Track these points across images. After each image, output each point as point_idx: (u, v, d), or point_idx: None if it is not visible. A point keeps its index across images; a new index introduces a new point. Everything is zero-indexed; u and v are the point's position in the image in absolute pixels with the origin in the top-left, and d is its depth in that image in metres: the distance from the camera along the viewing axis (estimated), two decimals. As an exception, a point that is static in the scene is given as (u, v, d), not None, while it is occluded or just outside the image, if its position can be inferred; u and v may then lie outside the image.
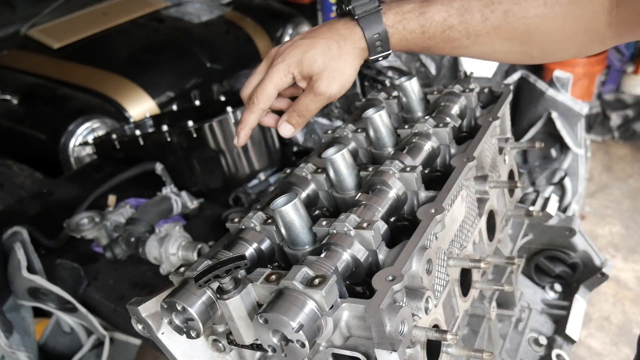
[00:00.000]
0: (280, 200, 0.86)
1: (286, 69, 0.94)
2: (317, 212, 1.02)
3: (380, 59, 0.96)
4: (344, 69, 0.93)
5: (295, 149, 1.77)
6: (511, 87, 1.23)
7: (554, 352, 1.32)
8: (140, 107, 2.73)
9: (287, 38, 3.50)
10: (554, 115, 2.31)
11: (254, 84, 0.99)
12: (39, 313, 1.64)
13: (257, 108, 0.97)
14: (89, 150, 2.50)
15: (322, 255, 0.81)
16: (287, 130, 0.99)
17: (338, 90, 0.94)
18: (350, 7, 0.95)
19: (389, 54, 0.95)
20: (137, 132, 1.90)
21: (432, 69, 2.24)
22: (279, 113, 1.03)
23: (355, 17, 0.93)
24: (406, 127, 1.08)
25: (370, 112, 1.05)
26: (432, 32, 0.91)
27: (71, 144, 2.53)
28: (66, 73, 2.87)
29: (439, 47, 0.95)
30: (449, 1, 0.91)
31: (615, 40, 0.91)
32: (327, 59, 0.93)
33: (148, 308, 0.85)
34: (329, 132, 1.16)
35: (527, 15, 0.88)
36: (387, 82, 1.83)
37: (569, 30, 0.89)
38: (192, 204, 1.72)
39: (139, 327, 0.87)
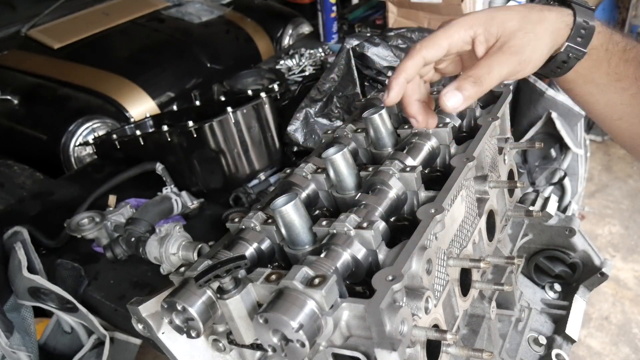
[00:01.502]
0: (280, 200, 0.86)
1: (469, 23, 0.79)
2: (317, 212, 1.02)
3: (569, 56, 0.81)
4: (542, 37, 0.77)
5: (295, 149, 1.77)
6: (511, 87, 1.23)
7: (554, 352, 1.32)
8: (141, 107, 2.73)
9: (287, 38, 3.50)
10: (554, 115, 2.31)
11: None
12: (39, 313, 1.64)
13: (419, 55, 0.80)
14: (89, 150, 2.51)
15: (322, 255, 0.81)
16: (454, 99, 0.77)
17: (529, 56, 0.77)
18: None
19: (582, 55, 0.81)
20: (138, 132, 1.90)
21: (432, 69, 2.24)
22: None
23: (567, 1, 0.81)
24: (406, 127, 1.08)
25: (370, 112, 1.05)
26: (633, 56, 0.82)
27: (72, 144, 2.53)
28: (67, 73, 2.88)
29: (623, 84, 0.83)
30: None
31: None
32: (525, 21, 0.77)
33: (148, 308, 0.85)
34: (329, 132, 1.17)
35: None
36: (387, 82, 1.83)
37: None
38: (193, 204, 1.72)
39: (139, 327, 0.88)
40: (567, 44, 0.81)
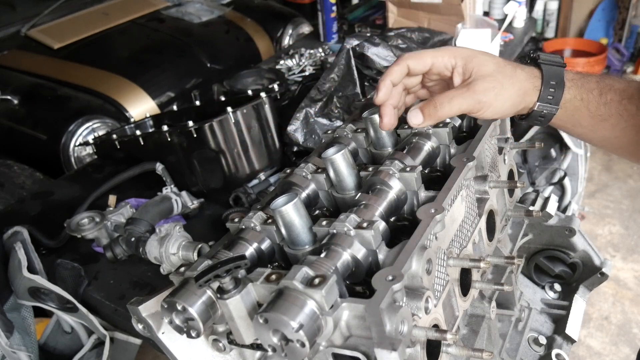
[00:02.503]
0: (280, 200, 0.86)
1: (454, 53, 0.88)
2: (317, 212, 1.02)
3: (544, 112, 0.87)
4: (508, 89, 0.85)
5: (295, 149, 1.77)
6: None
7: (554, 352, 1.32)
8: (141, 107, 2.73)
9: (287, 38, 3.50)
10: (554, 115, 2.31)
11: None
12: (39, 313, 1.64)
13: (404, 62, 0.90)
14: (89, 150, 2.50)
15: (322, 255, 0.81)
16: (415, 117, 0.89)
17: (490, 101, 0.84)
18: (535, 54, 0.89)
19: (554, 113, 0.87)
20: (138, 132, 1.90)
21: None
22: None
23: (539, 61, 0.88)
24: (406, 127, 1.08)
25: (370, 112, 1.05)
26: (610, 98, 0.85)
27: (72, 144, 2.53)
28: (67, 73, 2.88)
29: (611, 122, 0.86)
30: (629, 80, 0.86)
31: None
32: (499, 71, 0.85)
33: (148, 308, 0.85)
34: (329, 132, 1.17)
35: None
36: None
37: None
38: (193, 204, 1.72)
39: (139, 327, 0.88)
40: (538, 103, 0.87)
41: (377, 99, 0.92)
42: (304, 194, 0.99)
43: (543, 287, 1.53)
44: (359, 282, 0.85)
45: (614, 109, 0.86)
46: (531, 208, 1.32)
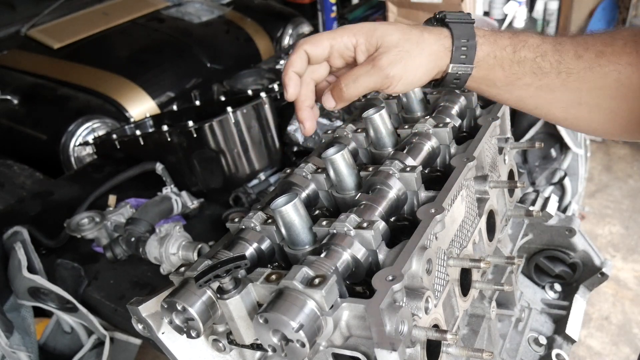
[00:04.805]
0: (280, 200, 0.86)
1: (352, 31, 0.83)
2: (317, 212, 1.02)
3: (458, 73, 0.84)
4: (417, 57, 0.81)
5: (295, 149, 1.78)
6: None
7: (554, 352, 1.32)
8: (141, 107, 2.73)
9: (287, 38, 3.50)
10: (554, 115, 2.31)
11: None
12: (39, 313, 1.65)
13: (301, 49, 0.84)
14: (89, 150, 2.50)
15: (322, 255, 0.81)
16: (327, 101, 0.86)
17: (399, 74, 0.81)
18: (441, 14, 0.86)
19: (469, 73, 0.84)
20: (138, 132, 1.90)
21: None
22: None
23: (446, 20, 0.85)
24: (406, 127, 1.08)
25: (370, 112, 1.05)
26: (524, 55, 0.83)
27: (71, 144, 2.53)
28: (66, 73, 2.88)
29: (525, 80, 0.84)
30: (543, 35, 0.85)
31: None
32: (405, 39, 0.81)
33: (148, 308, 0.85)
34: (329, 132, 1.17)
35: (619, 61, 0.79)
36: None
37: None
38: (192, 204, 1.72)
39: (139, 327, 0.88)
40: (451, 65, 0.84)
41: (288, 95, 0.86)
42: (304, 194, 0.99)
43: (543, 287, 1.53)
44: (359, 282, 0.85)
45: (528, 67, 0.83)
46: (531, 208, 1.32)
